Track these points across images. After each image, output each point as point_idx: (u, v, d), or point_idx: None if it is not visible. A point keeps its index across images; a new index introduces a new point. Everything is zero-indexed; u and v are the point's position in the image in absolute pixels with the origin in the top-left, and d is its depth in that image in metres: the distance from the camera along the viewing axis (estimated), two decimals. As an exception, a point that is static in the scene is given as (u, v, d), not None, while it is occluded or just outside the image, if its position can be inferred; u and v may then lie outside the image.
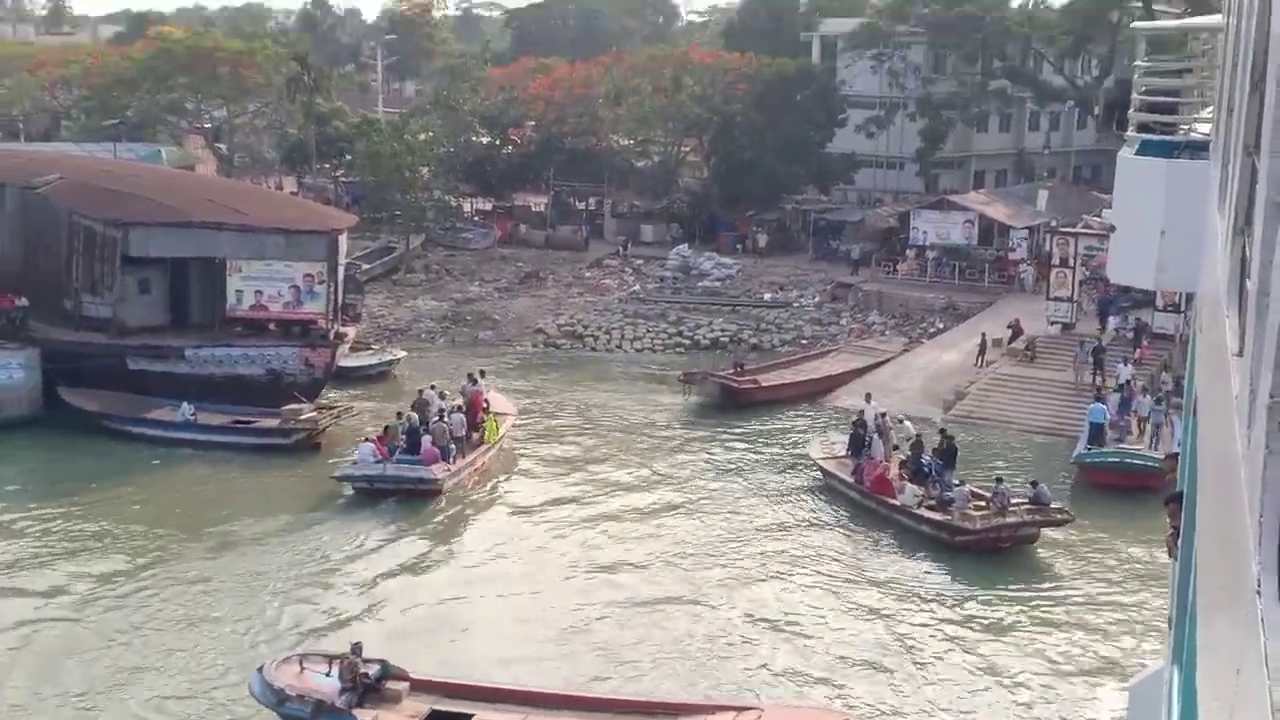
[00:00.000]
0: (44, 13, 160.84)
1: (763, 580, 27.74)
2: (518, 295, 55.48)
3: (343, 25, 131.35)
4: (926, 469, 31.39)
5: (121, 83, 71.08)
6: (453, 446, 33.46)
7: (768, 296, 54.69)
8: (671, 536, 30.23)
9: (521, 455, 36.64)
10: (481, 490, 33.71)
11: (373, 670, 20.55)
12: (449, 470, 32.69)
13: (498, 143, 70.41)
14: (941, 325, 49.75)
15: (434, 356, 47.64)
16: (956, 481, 30.60)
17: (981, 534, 28.86)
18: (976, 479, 31.78)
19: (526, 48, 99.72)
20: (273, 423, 36.39)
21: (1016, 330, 44.12)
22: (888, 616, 25.88)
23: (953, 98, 64.85)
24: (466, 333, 51.20)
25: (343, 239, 42.27)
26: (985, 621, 25.79)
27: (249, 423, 36.72)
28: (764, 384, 42.40)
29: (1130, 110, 13.74)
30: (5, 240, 42.64)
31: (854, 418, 35.14)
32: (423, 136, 64.69)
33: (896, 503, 30.61)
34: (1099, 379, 39.10)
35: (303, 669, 20.97)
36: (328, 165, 71.63)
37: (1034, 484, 30.12)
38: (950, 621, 25.69)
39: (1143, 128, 13.54)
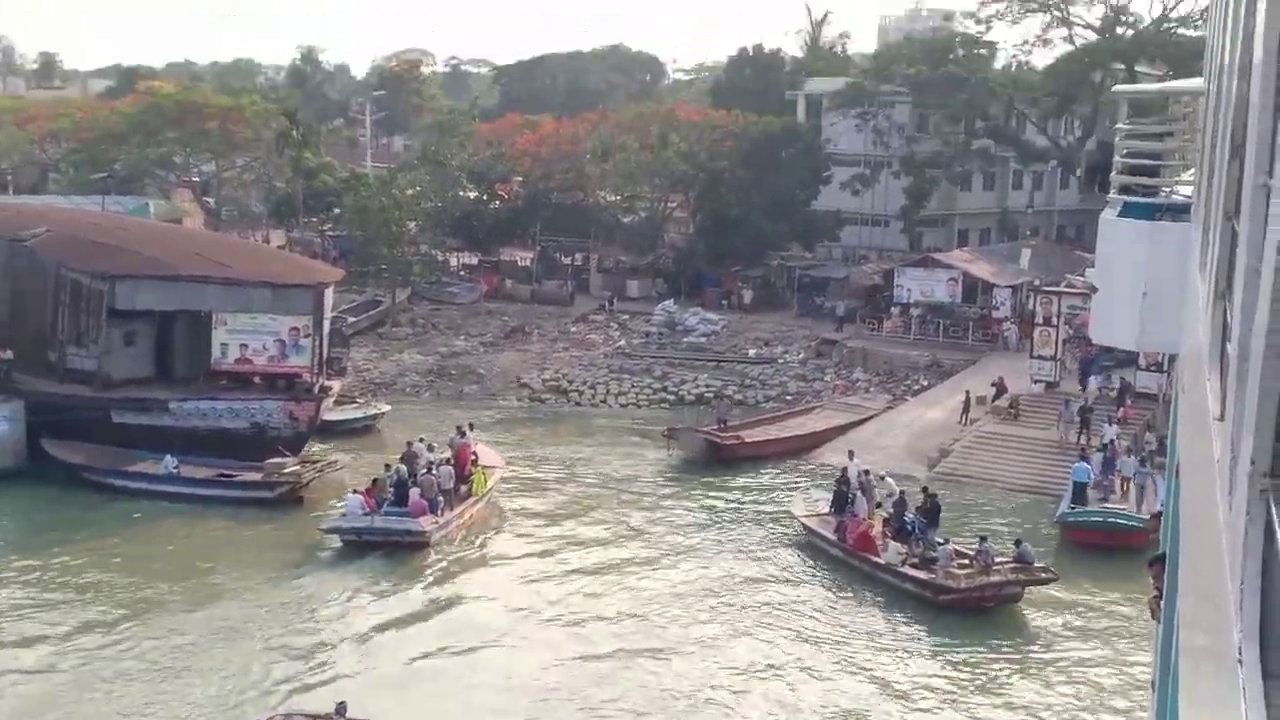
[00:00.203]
0: (35, 67, 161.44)
1: (746, 635, 27.63)
2: (503, 349, 55.51)
3: (332, 81, 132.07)
4: (909, 527, 31.34)
5: (110, 136, 71.27)
6: (441, 499, 33.46)
7: (752, 352, 54.79)
8: (655, 591, 30.12)
9: (508, 508, 36.56)
10: (469, 543, 33.62)
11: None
12: (437, 523, 32.66)
13: (485, 198, 70.67)
14: (926, 382, 49.85)
15: (419, 410, 47.56)
16: (940, 540, 30.56)
17: (966, 593, 28.80)
18: (960, 537, 31.74)
19: (514, 104, 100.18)
20: (256, 476, 36.26)
21: (1000, 388, 44.22)
22: (872, 673, 25.78)
23: (937, 156, 65.34)
24: (451, 387, 51.16)
25: (329, 293, 42.33)
26: (970, 680, 25.70)
27: (232, 476, 36.58)
28: (747, 440, 42.40)
29: (1112, 172, 13.87)
30: (-9, 292, 42.59)
31: (837, 475, 35.14)
32: (410, 191, 64.93)
33: (880, 561, 30.54)
34: (1084, 438, 39.17)
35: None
36: (315, 219, 71.77)
37: (1018, 543, 30.11)
38: (935, 678, 25.59)
39: (1125, 189, 13.66)
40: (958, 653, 26.99)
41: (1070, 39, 69.83)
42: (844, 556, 31.69)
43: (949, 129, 67.11)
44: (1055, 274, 52.18)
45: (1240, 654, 3.33)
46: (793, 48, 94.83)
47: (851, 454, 36.54)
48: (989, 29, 70.47)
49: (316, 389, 39.99)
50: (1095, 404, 41.45)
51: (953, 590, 28.78)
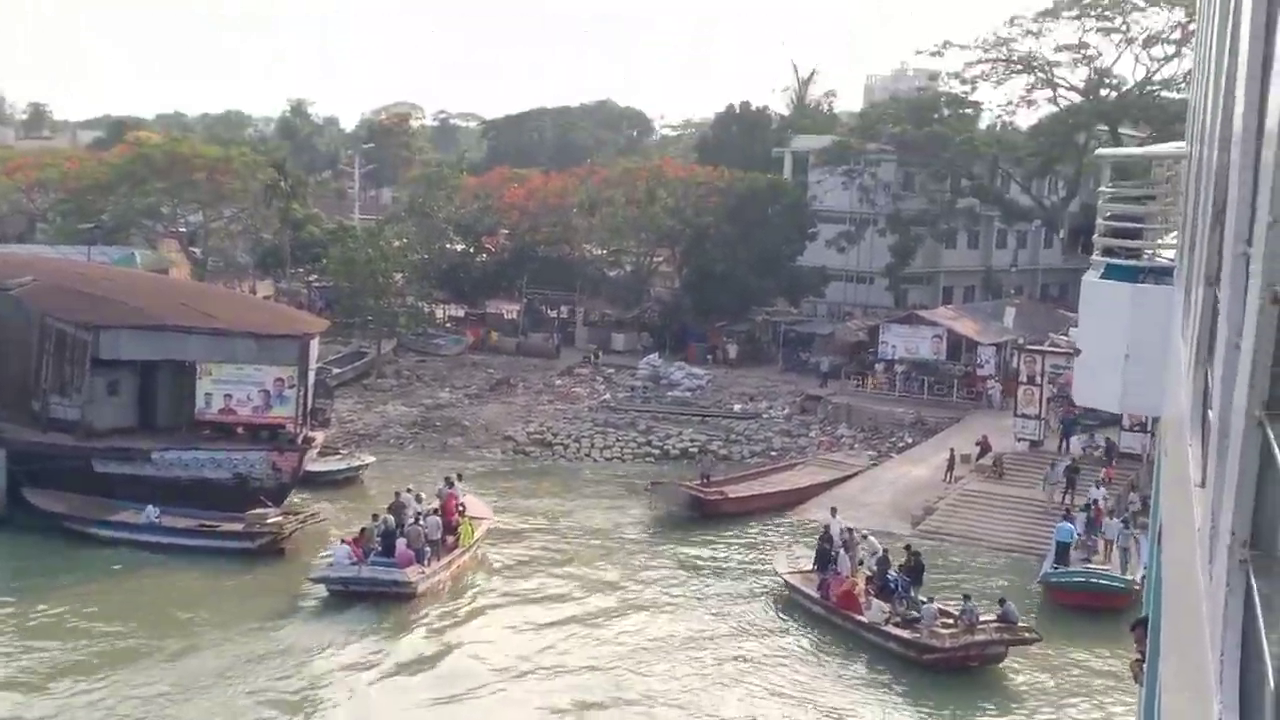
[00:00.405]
0: (24, 117, 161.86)
1: (728, 691, 27.50)
2: (488, 402, 55.45)
3: (321, 133, 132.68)
4: (893, 585, 31.26)
5: (98, 186, 71.32)
6: (428, 549, 33.39)
7: (737, 407, 54.83)
8: (637, 644, 30.00)
9: (494, 560, 36.46)
10: (455, 594, 33.51)
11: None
12: (423, 573, 32.58)
13: (472, 250, 70.89)
14: (910, 440, 49.90)
15: (403, 462, 47.43)
16: (924, 599, 30.48)
17: (950, 652, 28.69)
18: (945, 595, 31.67)
19: (502, 158, 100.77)
20: (237, 527, 36.09)
21: (985, 447, 44.26)
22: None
23: (922, 215, 65.74)
24: (436, 439, 51.06)
25: (314, 344, 42.29)
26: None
27: (214, 527, 36.39)
28: (731, 495, 42.35)
29: (1095, 234, 13.97)
30: (-25, 341, 42.47)
31: (820, 532, 35.09)
32: (397, 243, 65.12)
33: (863, 619, 30.43)
34: (1070, 498, 39.17)
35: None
36: (302, 270, 71.83)
37: (1002, 602, 30.03)
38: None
39: (1108, 251, 13.76)
40: (941, 713, 26.87)
41: (1054, 100, 70.57)
42: (827, 614, 31.57)
43: (934, 187, 67.61)
44: (1039, 333, 52.39)
45: (1221, 725, 3.33)
46: (779, 105, 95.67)
47: (834, 511, 36.50)
48: (974, 89, 71.25)
49: (300, 440, 39.89)
50: (1081, 464, 41.51)
51: (937, 650, 28.68)
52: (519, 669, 28.44)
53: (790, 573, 33.74)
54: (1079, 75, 69.79)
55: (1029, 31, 68.81)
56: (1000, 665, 29.19)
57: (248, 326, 40.91)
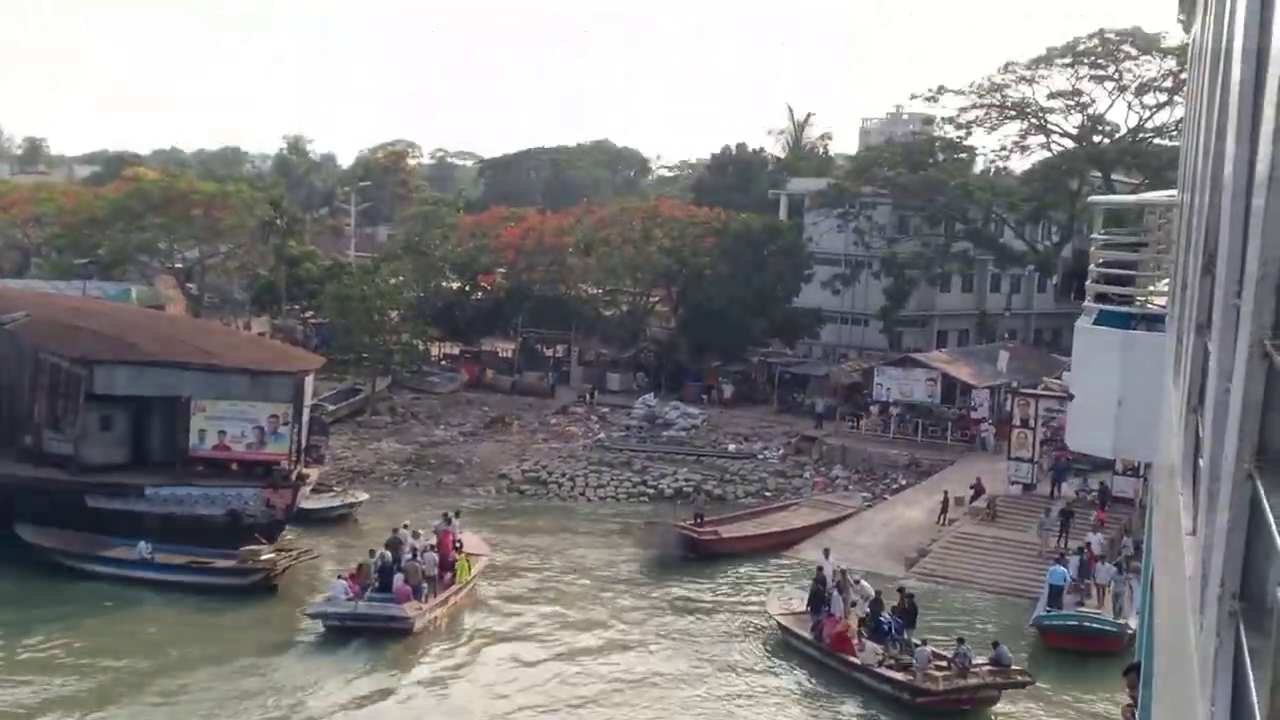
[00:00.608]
0: (20, 151, 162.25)
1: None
2: (483, 440, 55.40)
3: (318, 170, 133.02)
4: (886, 627, 31.18)
5: (94, 222, 71.27)
6: (425, 585, 33.45)
7: (732, 447, 54.81)
8: (630, 685, 29.90)
9: (489, 597, 36.42)
10: (452, 630, 33.52)
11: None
12: (420, 609, 32.61)
13: (467, 288, 70.99)
14: (904, 482, 49.90)
15: (397, 500, 47.33)
16: (917, 641, 30.40)
17: (943, 695, 28.60)
18: (938, 638, 31.58)
19: (499, 196, 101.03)
20: (230, 563, 35.97)
21: (978, 489, 44.27)
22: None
23: (916, 258, 65.92)
24: (430, 476, 50.99)
25: (309, 380, 42.28)
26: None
27: (206, 563, 36.27)
28: (724, 535, 42.29)
29: (1088, 281, 14.04)
30: (-32, 375, 42.39)
31: (813, 573, 35.02)
32: (393, 281, 65.21)
33: (857, 661, 30.34)
34: (1064, 542, 39.12)
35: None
36: (297, 307, 71.88)
37: (995, 645, 29.97)
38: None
39: (1100, 297, 13.82)
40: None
41: (1048, 146, 71.03)
42: (820, 656, 31.48)
43: (928, 231, 67.88)
44: (1033, 376, 52.47)
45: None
46: (775, 147, 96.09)
47: (827, 552, 36.45)
48: (968, 134, 71.69)
49: (294, 476, 39.82)
50: (1074, 507, 41.49)
51: (930, 693, 28.58)
52: (515, 705, 28.42)
53: (783, 614, 33.64)
54: (1072, 122, 70.35)
55: (1023, 78, 69.39)
56: (993, 708, 29.10)
57: (242, 363, 40.87)
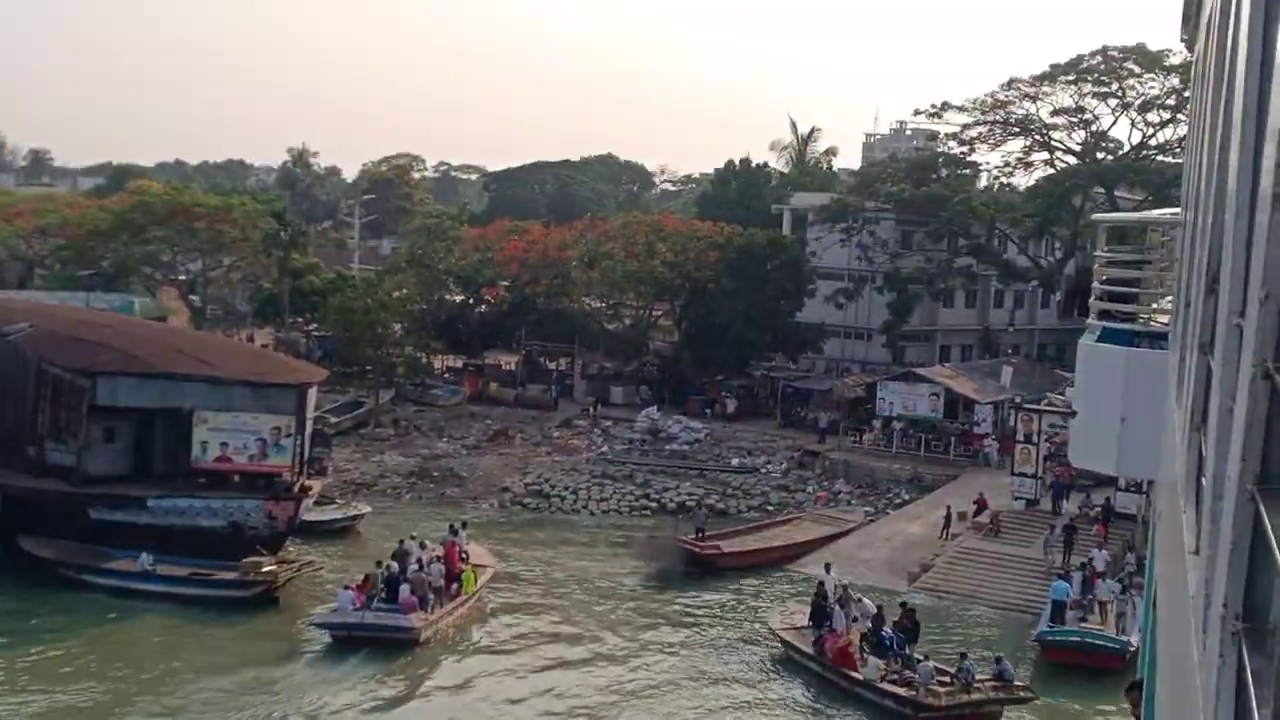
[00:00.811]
0: (24, 163, 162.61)
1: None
2: (485, 453, 55.41)
3: (322, 183, 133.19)
4: (888, 642, 31.14)
5: (98, 234, 71.27)
6: (431, 596, 33.62)
7: (735, 461, 54.80)
8: (631, 698, 29.91)
9: (494, 609, 36.51)
10: (458, 641, 33.64)
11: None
12: (427, 620, 32.77)
13: (471, 301, 71.03)
14: (907, 496, 49.88)
15: (399, 512, 47.31)
16: (920, 657, 30.36)
17: (946, 711, 28.55)
18: (940, 652, 31.54)
19: (503, 210, 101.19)
20: (232, 575, 35.96)
21: (981, 504, 44.24)
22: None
23: (919, 273, 65.97)
24: (432, 489, 50.98)
25: (312, 392, 42.28)
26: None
27: (208, 575, 36.25)
28: (726, 550, 42.24)
29: (1091, 298, 14.04)
30: (-29, 386, 42.41)
31: (814, 588, 34.99)
32: (396, 294, 65.25)
33: (859, 676, 30.29)
34: (1068, 558, 39.04)
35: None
36: (301, 319, 71.93)
37: (998, 660, 29.93)
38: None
39: (1104, 314, 13.82)
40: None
41: (1051, 162, 71.16)
42: (822, 671, 31.42)
43: (932, 246, 67.91)
44: (1036, 392, 52.46)
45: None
46: (778, 162, 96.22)
47: (828, 566, 36.42)
48: (972, 150, 71.80)
49: (296, 489, 39.81)
50: (1077, 523, 41.43)
51: (933, 708, 28.54)
52: (520, 715, 28.63)
53: (785, 628, 33.61)
54: (1076, 138, 70.53)
55: (1026, 95, 69.55)
56: (995, 724, 29.05)
57: (245, 375, 40.89)
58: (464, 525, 39.04)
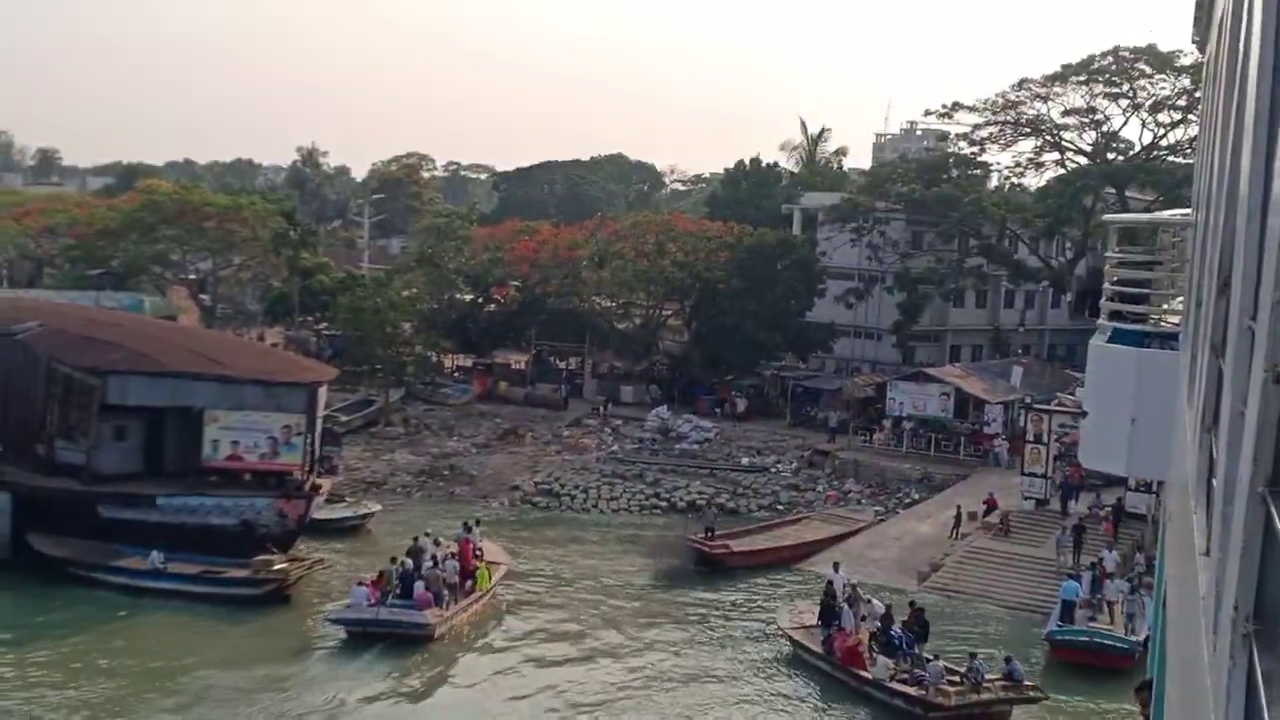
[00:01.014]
0: (33, 163, 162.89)
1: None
2: (495, 451, 55.44)
3: (331, 183, 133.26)
4: (897, 641, 31.11)
5: (107, 233, 71.32)
6: (446, 593, 33.82)
7: (745, 461, 54.77)
8: (641, 696, 29.94)
9: (509, 607, 36.67)
10: (472, 637, 33.80)
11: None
12: (441, 616, 32.94)
13: (481, 300, 71.06)
14: (917, 496, 49.83)
15: (410, 511, 47.36)
16: (929, 656, 30.33)
17: (955, 710, 28.52)
18: (950, 652, 31.51)
19: (513, 210, 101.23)
20: (243, 573, 36.03)
21: (991, 504, 44.20)
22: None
23: (930, 273, 65.85)
24: (442, 488, 51.03)
25: (322, 391, 42.33)
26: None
27: (218, 573, 36.32)
28: (736, 549, 42.22)
29: (1102, 298, 14.01)
30: (-19, 385, 42.53)
31: (823, 587, 34.97)
32: (406, 293, 65.29)
33: (868, 675, 30.27)
34: (1077, 558, 38.97)
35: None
36: (311, 318, 72.02)
37: (1008, 659, 29.90)
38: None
39: (1114, 315, 13.80)
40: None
41: (1062, 163, 70.97)
42: (831, 670, 31.41)
43: (942, 246, 67.81)
44: (1046, 392, 52.39)
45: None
46: (789, 162, 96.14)
47: (837, 565, 36.36)
48: (982, 150, 71.66)
49: (307, 487, 39.86)
50: (1086, 522, 41.35)
51: (942, 708, 28.50)
52: (533, 709, 28.84)
53: (794, 627, 33.59)
54: (1086, 139, 70.33)
55: (1037, 95, 69.37)
56: (1004, 724, 29.02)
57: (256, 374, 40.96)
58: (478, 522, 39.21)
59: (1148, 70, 66.82)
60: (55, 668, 30.10)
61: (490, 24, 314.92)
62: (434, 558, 35.27)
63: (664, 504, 50.37)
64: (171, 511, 38.35)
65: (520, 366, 69.03)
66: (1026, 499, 44.84)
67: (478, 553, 36.97)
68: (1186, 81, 63.86)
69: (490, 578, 36.09)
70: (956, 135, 73.36)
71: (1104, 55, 67.93)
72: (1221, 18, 7.70)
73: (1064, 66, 68.80)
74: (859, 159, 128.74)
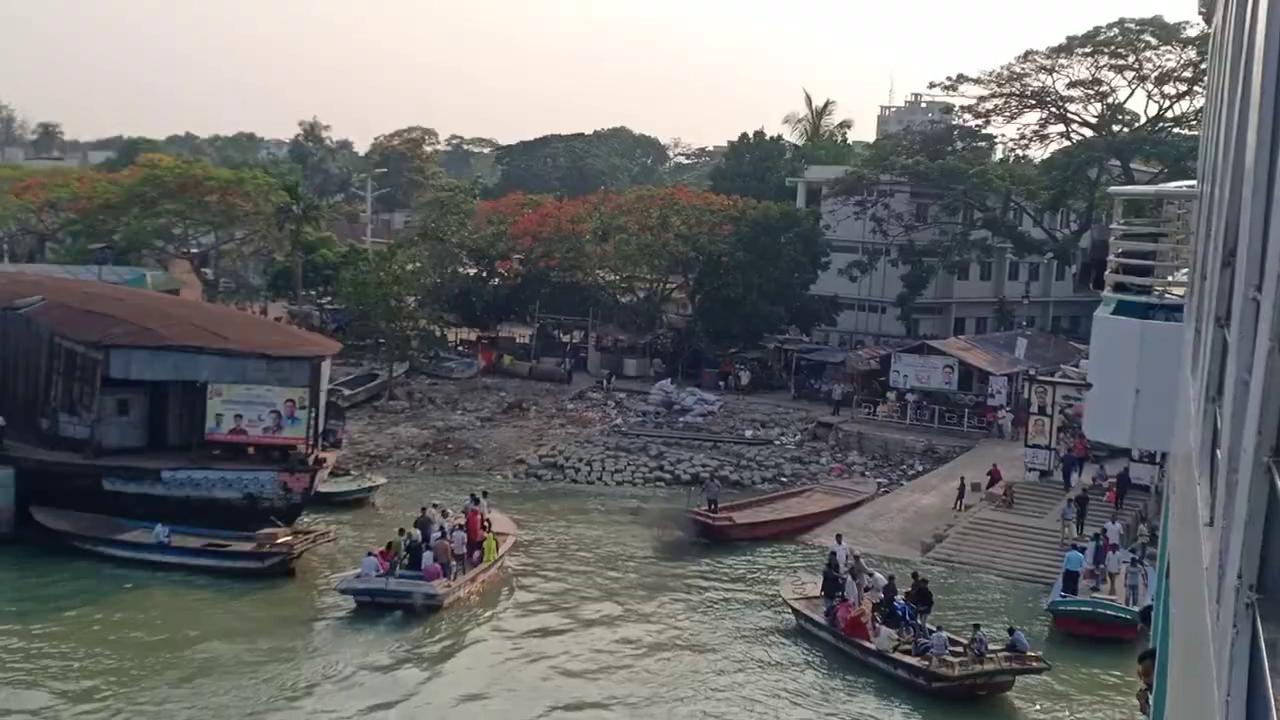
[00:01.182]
0: (34, 137, 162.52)
1: (735, 713, 27.45)
2: (500, 425, 55.50)
3: (334, 157, 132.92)
4: (900, 612, 31.21)
5: (109, 207, 71.27)
6: (454, 564, 34.09)
7: (749, 434, 54.82)
8: (646, 672, 29.97)
9: (515, 577, 36.87)
10: (480, 607, 33.99)
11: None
12: (450, 586, 33.21)
13: (484, 274, 71.00)
14: (921, 468, 49.90)
15: (414, 484, 47.48)
16: (932, 627, 30.43)
17: (959, 680, 28.61)
18: (954, 623, 31.60)
19: (516, 183, 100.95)
20: (247, 546, 36.15)
21: (995, 475, 44.27)
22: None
23: (934, 245, 65.77)
24: (447, 461, 51.12)
25: (326, 365, 42.37)
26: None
27: (223, 546, 36.44)
28: (739, 521, 42.32)
29: (1106, 271, 13.99)
30: (-15, 359, 42.60)
31: (826, 558, 35.08)
32: (409, 267, 65.24)
33: (871, 646, 30.37)
34: (1081, 529, 39.04)
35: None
36: (314, 292, 72.01)
37: (1011, 630, 29.96)
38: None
39: (1119, 287, 13.78)
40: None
41: (1067, 135, 70.69)
42: (834, 641, 31.51)
43: (946, 219, 67.68)
44: (1050, 364, 52.37)
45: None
46: (793, 135, 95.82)
47: (839, 537, 36.42)
48: (987, 123, 71.39)
49: (311, 460, 39.95)
50: (1090, 493, 41.42)
51: (946, 678, 28.59)
52: (541, 675, 29.10)
53: (797, 598, 33.68)
54: (1091, 111, 70.03)
55: (1042, 67, 69.06)
56: (1007, 693, 29.10)
57: (259, 347, 40.96)
58: (485, 494, 39.45)
59: (1153, 42, 66.49)
60: (60, 641, 30.21)
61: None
62: (442, 529, 35.49)
63: (668, 476, 50.46)
64: (176, 485, 38.44)
65: (524, 340, 69.05)
66: (1030, 471, 44.91)
67: (485, 524, 37.14)
68: (1192, 53, 63.59)
69: (498, 548, 36.27)
70: (961, 107, 73.16)
71: (1110, 27, 67.60)
72: (1228, -12, 7.66)
73: (1069, 38, 68.50)
74: (863, 132, 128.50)
